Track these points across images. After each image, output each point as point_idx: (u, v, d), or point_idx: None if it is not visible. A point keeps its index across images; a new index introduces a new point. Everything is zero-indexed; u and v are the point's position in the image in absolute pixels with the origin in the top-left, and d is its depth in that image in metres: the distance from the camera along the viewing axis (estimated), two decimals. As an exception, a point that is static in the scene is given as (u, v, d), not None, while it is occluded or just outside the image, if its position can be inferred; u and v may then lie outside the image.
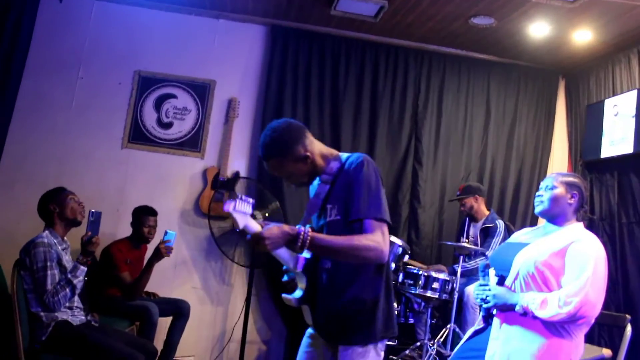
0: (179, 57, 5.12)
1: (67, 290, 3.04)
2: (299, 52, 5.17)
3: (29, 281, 3.04)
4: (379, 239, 1.98)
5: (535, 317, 2.45)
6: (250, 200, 2.01)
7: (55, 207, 3.23)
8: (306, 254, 2.11)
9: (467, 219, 4.84)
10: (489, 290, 2.61)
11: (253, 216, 2.03)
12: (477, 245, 4.58)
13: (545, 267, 2.49)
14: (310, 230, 1.98)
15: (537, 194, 2.75)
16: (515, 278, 2.56)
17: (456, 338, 4.09)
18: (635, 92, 4.63)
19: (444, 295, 4.12)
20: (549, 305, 2.39)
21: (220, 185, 4.96)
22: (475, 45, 5.28)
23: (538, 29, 4.64)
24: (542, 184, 2.78)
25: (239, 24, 5.21)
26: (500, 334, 2.56)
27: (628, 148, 4.62)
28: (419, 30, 5.00)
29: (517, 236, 2.88)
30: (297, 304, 2.20)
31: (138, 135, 5.03)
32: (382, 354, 2.14)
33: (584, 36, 4.68)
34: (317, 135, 5.04)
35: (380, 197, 2.05)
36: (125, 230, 4.53)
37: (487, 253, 4.43)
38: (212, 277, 5.07)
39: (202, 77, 5.14)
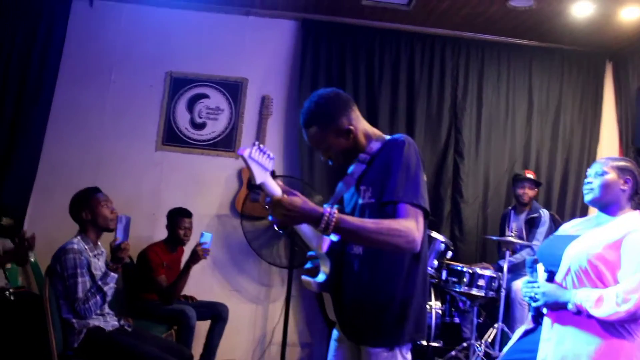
0: (209, 56, 5.06)
1: (98, 297, 2.98)
2: (331, 46, 5.04)
3: (60, 288, 2.99)
4: (412, 225, 1.80)
5: (590, 316, 2.25)
6: (271, 154, 1.82)
7: (88, 214, 3.17)
8: (333, 236, 1.94)
9: (512, 210, 4.61)
10: (538, 287, 2.42)
11: (274, 175, 1.84)
12: (522, 237, 4.36)
13: (599, 260, 2.29)
14: (336, 211, 1.77)
15: (586, 181, 2.55)
16: (567, 274, 2.37)
17: (505, 338, 3.90)
18: (691, 71, 4.34)
19: (491, 292, 3.93)
20: (605, 303, 2.19)
21: (256, 185, 4.85)
22: (514, 31, 5.04)
23: (581, 9, 4.39)
24: (591, 170, 2.58)
25: (269, 20, 5.12)
26: (552, 334, 2.37)
27: (685, 132, 4.34)
28: (454, 17, 4.80)
29: (566, 228, 2.67)
30: (317, 289, 2.02)
31: (171, 137, 4.99)
32: (409, 358, 1.96)
33: (632, 13, 4.40)
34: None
35: (418, 181, 1.87)
36: (161, 233, 4.48)
37: (533, 244, 4.21)
38: (250, 278, 4.98)
39: (233, 76, 5.06)
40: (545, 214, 4.38)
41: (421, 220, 1.84)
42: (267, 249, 4.76)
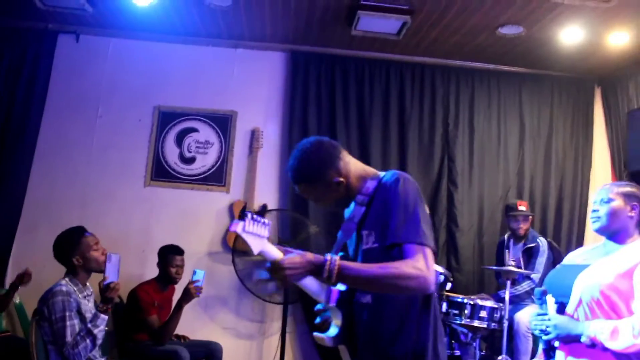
0: (198, 89, 5.01)
1: (88, 341, 2.84)
2: (321, 77, 5.01)
3: (48, 332, 2.85)
4: (421, 265, 1.71)
5: (605, 349, 2.17)
6: (266, 221, 1.75)
7: (79, 259, 3.04)
8: (340, 286, 1.88)
9: (510, 239, 4.54)
10: (549, 319, 2.34)
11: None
12: (520, 266, 4.29)
13: (611, 291, 2.21)
14: (337, 258, 1.70)
15: (593, 209, 2.49)
16: (578, 305, 2.29)
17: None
18: (682, 94, 4.35)
19: (493, 324, 3.83)
20: (621, 335, 2.11)
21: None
22: (504, 58, 5.05)
23: (570, 35, 4.39)
24: (597, 197, 2.51)
25: (258, 52, 5.09)
26: (566, 369, 2.28)
27: (679, 155, 4.32)
28: (444, 45, 4.80)
29: (572, 257, 2.59)
30: (332, 344, 1.94)
31: (160, 172, 4.89)
32: None
33: (620, 39, 4.41)
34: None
35: (418, 217, 1.79)
36: (152, 270, 4.35)
37: (532, 276, 4.14)
38: (244, 315, 4.85)
39: (223, 109, 5.00)
40: (543, 243, 4.31)
41: (430, 257, 1.75)
42: (260, 285, 4.64)
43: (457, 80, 5.16)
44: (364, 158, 4.93)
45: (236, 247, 4.60)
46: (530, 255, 4.29)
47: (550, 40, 4.56)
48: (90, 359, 2.92)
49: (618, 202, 2.43)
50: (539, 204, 5.09)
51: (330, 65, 5.03)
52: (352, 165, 1.98)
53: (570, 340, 2.27)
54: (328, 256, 1.70)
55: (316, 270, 1.70)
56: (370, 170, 2.01)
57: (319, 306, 2.03)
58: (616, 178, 5.21)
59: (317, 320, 2.02)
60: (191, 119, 4.96)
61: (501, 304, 3.88)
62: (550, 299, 2.40)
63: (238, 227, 1.68)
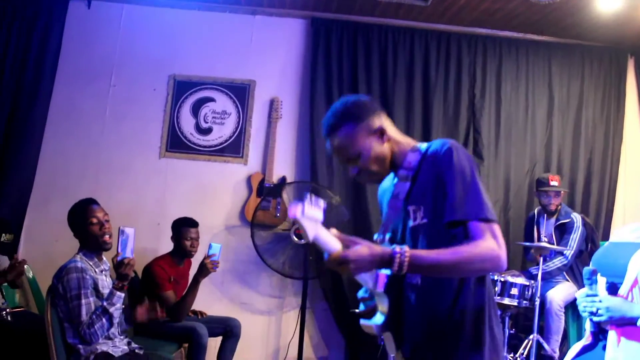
0: (214, 58, 4.82)
1: (104, 320, 2.70)
2: (343, 45, 4.80)
3: (64, 310, 2.71)
4: (493, 244, 1.56)
5: (662, 332, 2.01)
6: (322, 203, 1.58)
7: (78, 234, 2.90)
8: (386, 270, 1.73)
9: (541, 215, 4.36)
10: (600, 301, 2.17)
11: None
12: (552, 243, 4.11)
13: (670, 270, 2.05)
14: (408, 249, 1.55)
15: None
16: (633, 285, 2.12)
17: (539, 350, 3.64)
18: None
19: (524, 302, 3.68)
20: (683, 318, 1.95)
21: (267, 192, 4.62)
22: (533, 26, 4.82)
23: (607, 2, 4.15)
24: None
25: (277, 19, 4.88)
26: (619, 353, 2.12)
27: None
28: (472, 12, 4.57)
29: (624, 234, 2.41)
30: (378, 332, 1.79)
31: (176, 143, 4.73)
32: None
33: (660, 5, 4.18)
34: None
35: (479, 190, 1.62)
36: (167, 244, 4.20)
37: (565, 252, 3.96)
38: (262, 291, 4.73)
39: (240, 78, 4.81)
40: (577, 218, 4.13)
41: (499, 233, 1.59)
42: (279, 260, 4.51)
43: (484, 49, 4.93)
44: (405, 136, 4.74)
45: (255, 221, 4.46)
46: (563, 231, 4.12)
47: (585, 7, 4.33)
48: (110, 337, 2.79)
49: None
50: (566, 178, 4.89)
51: (353, 33, 4.82)
52: (394, 129, 1.82)
53: (625, 323, 2.10)
54: (397, 248, 1.55)
55: (384, 263, 1.55)
56: (410, 140, 1.83)
57: (361, 293, 1.89)
58: (648, 153, 5.01)
59: (361, 308, 1.87)
60: (207, 89, 4.78)
61: (533, 281, 3.72)
62: (601, 279, 2.23)
63: (298, 211, 1.50)
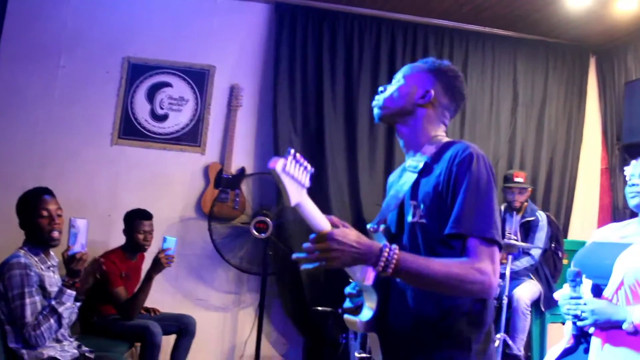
0: (173, 40, 4.56)
1: (52, 320, 2.46)
2: (307, 33, 4.62)
3: (5, 311, 2.46)
4: (488, 269, 1.43)
5: (648, 337, 1.95)
6: (309, 166, 1.40)
7: (24, 225, 2.65)
8: None
9: (506, 212, 4.31)
10: (585, 304, 2.09)
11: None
12: (518, 241, 4.06)
13: (658, 273, 1.98)
14: (397, 249, 1.41)
15: (631, 182, 2.24)
16: (619, 288, 2.05)
17: (505, 349, 3.59)
18: (686, 65, 4.16)
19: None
20: (671, 323, 1.89)
21: (225, 183, 4.42)
22: (500, 21, 4.77)
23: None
24: (634, 170, 2.28)
25: (240, 3, 4.65)
26: (603, 357, 2.05)
27: (679, 128, 4.15)
28: (441, 3, 4.47)
29: (605, 235, 2.35)
30: (363, 330, 1.64)
31: (130, 130, 4.47)
32: None
33: (628, 4, 4.17)
34: (331, 124, 4.58)
35: (492, 208, 1.49)
36: (119, 238, 3.95)
37: (532, 252, 3.92)
38: (218, 286, 4.53)
39: (199, 63, 4.57)
40: (542, 217, 4.10)
41: (497, 258, 1.47)
42: (237, 255, 4.33)
43: (450, 42, 4.85)
44: (351, 122, 4.64)
45: (213, 214, 4.26)
46: (528, 228, 4.08)
47: (552, 4, 4.29)
48: (59, 339, 2.55)
49: (659, 177, 2.19)
50: (529, 174, 4.84)
51: (318, 21, 4.65)
52: (438, 120, 1.70)
53: (610, 326, 2.03)
54: (387, 245, 1.41)
55: (370, 258, 1.40)
56: (438, 132, 1.69)
57: (349, 289, 1.74)
58: (607, 151, 5.06)
59: (347, 304, 1.72)
60: (164, 73, 4.53)
61: (500, 280, 3.65)
62: (586, 281, 2.16)
63: (278, 164, 1.32)
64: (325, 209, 4.56)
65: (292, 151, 1.35)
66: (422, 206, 1.56)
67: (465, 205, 1.46)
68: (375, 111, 1.71)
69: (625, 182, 4.68)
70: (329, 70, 4.62)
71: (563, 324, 4.20)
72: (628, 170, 2.33)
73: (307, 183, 1.38)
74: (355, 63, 4.67)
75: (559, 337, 4.28)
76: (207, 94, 4.57)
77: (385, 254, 1.39)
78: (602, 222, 5.05)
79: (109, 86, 4.46)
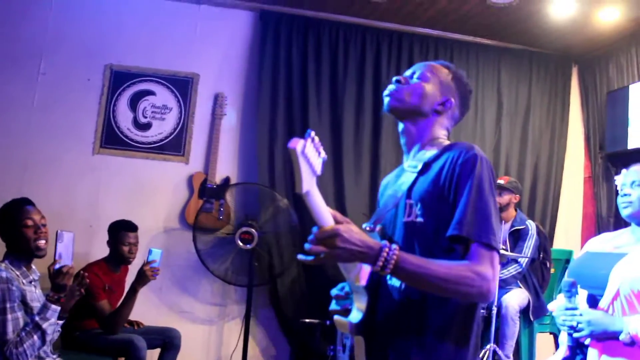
0: (156, 48, 4.49)
1: (35, 337, 2.36)
2: (292, 41, 4.59)
3: (-15, 328, 2.37)
4: (488, 273, 1.40)
5: (646, 348, 1.93)
6: (323, 153, 1.33)
7: (7, 238, 2.56)
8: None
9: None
10: (581, 315, 2.08)
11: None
12: (506, 249, 4.05)
13: (654, 283, 1.97)
14: (397, 248, 1.38)
15: (623, 192, 2.24)
16: (614, 298, 2.03)
17: (494, 356, 3.57)
18: (668, 75, 4.21)
19: (481, 310, 3.58)
20: (669, 333, 1.88)
21: (209, 193, 4.36)
22: (485, 30, 4.79)
23: (561, 8, 4.15)
24: (625, 179, 2.27)
25: (224, 10, 4.61)
26: (600, 369, 2.03)
27: (662, 137, 4.19)
28: (427, 12, 4.47)
29: (598, 245, 2.34)
30: (352, 331, 1.60)
31: (112, 139, 4.38)
32: None
33: (610, 14, 4.21)
34: (316, 130, 4.54)
35: (492, 214, 1.46)
36: (101, 249, 3.85)
37: (520, 260, 3.91)
38: (203, 298, 4.45)
39: (183, 71, 4.52)
40: (532, 226, 4.09)
41: (496, 263, 1.45)
42: (222, 266, 4.26)
43: (435, 51, 4.85)
44: (337, 129, 4.61)
45: (197, 224, 4.19)
46: (517, 237, 4.06)
47: (537, 13, 4.32)
48: (41, 357, 2.46)
49: (652, 186, 2.19)
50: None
51: (303, 28, 4.62)
52: (445, 125, 1.68)
53: (606, 337, 2.02)
54: (386, 243, 1.37)
55: (369, 256, 1.37)
56: (441, 135, 1.66)
57: (335, 291, 1.69)
58: (590, 160, 5.10)
59: (334, 306, 1.68)
60: (147, 81, 4.46)
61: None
62: (581, 292, 2.14)
63: (298, 145, 1.24)
64: (309, 217, 4.55)
65: (313, 133, 1.29)
66: (418, 205, 1.52)
67: (467, 208, 1.44)
68: (387, 100, 1.65)
69: (610, 191, 4.78)
70: (314, 79, 4.60)
71: (551, 334, 4.24)
72: (619, 180, 2.33)
73: (319, 171, 1.31)
74: (340, 71, 4.65)
75: (547, 347, 4.31)
76: (191, 103, 4.50)
77: (385, 253, 1.36)
78: (585, 231, 5.08)
79: (91, 94, 4.37)
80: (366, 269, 1.52)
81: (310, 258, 1.35)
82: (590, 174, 5.06)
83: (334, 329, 4.01)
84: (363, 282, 1.52)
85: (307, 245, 1.33)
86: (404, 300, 1.53)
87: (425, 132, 1.64)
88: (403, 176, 1.63)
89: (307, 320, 4.02)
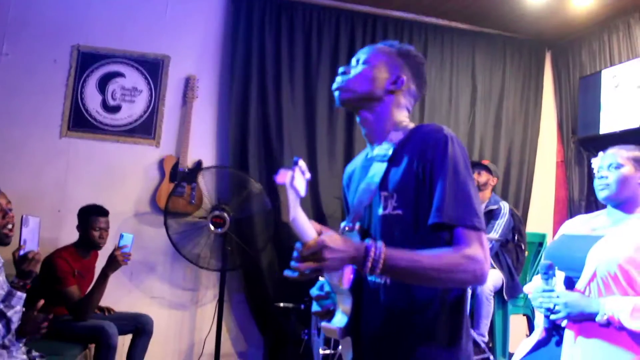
0: (125, 28, 4.37)
1: (0, 325, 2.29)
2: (265, 23, 4.51)
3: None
4: (479, 255, 1.35)
5: (622, 328, 1.94)
6: (308, 174, 1.29)
7: None
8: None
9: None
10: (558, 297, 2.08)
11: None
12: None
13: (630, 264, 1.98)
14: (383, 246, 1.32)
15: (599, 175, 2.23)
16: (591, 280, 2.04)
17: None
18: (639, 60, 4.25)
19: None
20: (644, 314, 1.89)
21: (181, 177, 4.27)
22: (459, 14, 4.78)
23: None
24: (603, 162, 2.26)
25: (195, -10, 4.50)
26: (576, 350, 2.04)
27: (634, 122, 4.24)
28: (402, -5, 4.44)
29: (574, 227, 2.34)
30: (341, 336, 1.57)
31: (80, 122, 4.26)
32: None
33: (583, 0, 4.22)
34: (289, 116, 4.48)
35: (471, 194, 1.41)
36: (69, 235, 3.77)
37: (490, 236, 3.92)
38: (175, 283, 4.38)
39: (153, 52, 4.40)
40: (505, 206, 4.11)
41: (486, 244, 1.40)
42: (195, 251, 4.20)
43: (410, 35, 4.82)
44: (309, 113, 4.56)
45: (169, 209, 4.11)
46: (490, 217, 4.07)
47: (514, -2, 4.32)
48: (5, 345, 2.37)
49: (628, 168, 2.19)
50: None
51: (276, 10, 4.54)
52: (405, 104, 1.60)
53: (583, 319, 2.02)
54: (372, 243, 1.32)
55: (356, 260, 1.31)
56: (403, 118, 1.60)
57: (315, 291, 1.65)
58: (562, 145, 5.14)
59: (315, 307, 1.64)
60: (116, 62, 4.34)
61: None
62: (559, 274, 2.14)
63: (287, 178, 1.21)
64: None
65: (300, 162, 1.25)
66: (394, 196, 1.47)
67: (445, 193, 1.38)
68: (337, 94, 1.58)
69: (582, 176, 4.82)
70: (287, 63, 4.53)
71: (525, 315, 4.28)
72: (595, 163, 2.32)
73: (302, 193, 1.26)
74: (314, 54, 4.59)
75: (520, 329, 4.36)
76: (162, 85, 4.40)
77: (372, 254, 1.30)
78: (557, 215, 5.14)
79: (57, 76, 4.24)
80: (348, 270, 1.48)
81: (296, 274, 1.30)
82: (563, 159, 5.11)
83: (308, 312, 3.99)
84: (347, 284, 1.48)
85: (293, 264, 1.28)
86: (389, 300, 1.48)
87: (384, 116, 1.56)
88: (373, 167, 1.55)
89: (281, 304, 3.98)
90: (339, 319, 1.54)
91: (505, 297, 3.92)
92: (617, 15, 4.49)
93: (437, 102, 4.87)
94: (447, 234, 1.39)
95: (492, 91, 5.03)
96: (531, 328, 4.27)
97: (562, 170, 5.13)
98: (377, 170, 1.52)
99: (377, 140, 1.57)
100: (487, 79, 5.02)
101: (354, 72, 1.58)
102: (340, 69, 1.61)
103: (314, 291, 1.64)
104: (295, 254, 1.29)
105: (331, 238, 1.29)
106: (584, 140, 4.82)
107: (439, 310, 1.45)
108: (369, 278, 1.53)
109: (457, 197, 1.38)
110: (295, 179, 1.22)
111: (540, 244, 4.27)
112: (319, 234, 1.30)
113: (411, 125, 1.56)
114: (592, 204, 4.66)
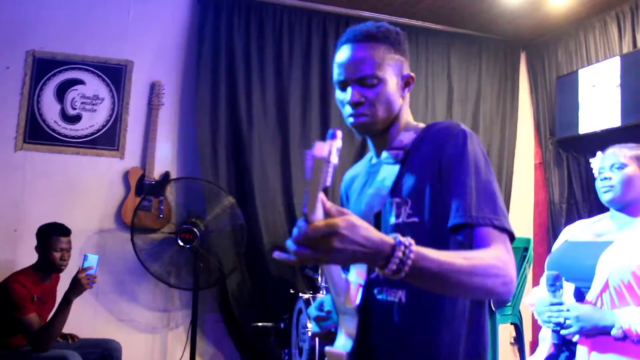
0: (84, 33, 4.09)
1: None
2: (233, 25, 4.28)
3: None
4: (506, 258, 1.16)
5: (639, 342, 1.79)
6: (336, 158, 0.98)
7: None
8: (356, 278, 1.31)
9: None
10: (568, 310, 1.91)
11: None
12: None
13: (644, 272, 1.83)
14: (414, 243, 1.05)
15: (602, 176, 2.08)
16: (603, 290, 1.89)
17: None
18: (617, 59, 4.18)
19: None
20: (665, 326, 1.74)
21: (147, 190, 4.02)
22: (434, 15, 4.65)
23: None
24: (605, 162, 2.11)
25: (158, -8, 4.26)
26: (591, 367, 1.87)
27: (613, 121, 4.16)
28: (375, -5, 4.28)
29: (576, 233, 2.19)
30: None
31: (37, 133, 3.97)
32: None
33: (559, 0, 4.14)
34: (260, 121, 4.28)
35: (495, 191, 1.24)
36: (27, 256, 3.47)
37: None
38: (144, 304, 4.11)
39: (115, 58, 4.14)
40: None
41: (511, 248, 1.20)
42: (164, 268, 3.94)
43: (384, 36, 4.66)
44: (283, 118, 4.36)
45: (135, 224, 3.85)
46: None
47: (488, -3, 4.21)
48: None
49: (633, 168, 2.05)
50: (466, 172, 4.78)
51: (245, 12, 4.32)
52: (407, 94, 1.42)
53: (596, 333, 1.86)
54: (399, 236, 1.04)
55: (380, 256, 1.02)
56: (409, 116, 1.43)
57: (313, 311, 1.45)
58: (540, 146, 5.05)
59: (315, 328, 1.44)
60: (76, 69, 4.06)
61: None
62: (567, 285, 1.98)
63: (324, 149, 0.93)
64: (253, 215, 4.29)
65: (338, 132, 0.97)
66: (409, 202, 1.29)
67: (467, 192, 1.21)
68: (362, 127, 1.35)
69: (562, 177, 4.71)
70: (257, 66, 4.32)
71: (512, 324, 4.15)
72: (595, 163, 2.18)
73: (329, 181, 0.97)
74: (285, 57, 4.39)
75: (508, 337, 4.23)
76: (125, 92, 4.14)
77: (400, 254, 1.02)
78: (537, 218, 5.04)
79: (11, 84, 3.94)
80: (355, 285, 1.27)
81: (292, 258, 1.00)
82: (542, 160, 5.01)
83: (288, 332, 3.77)
84: (356, 302, 1.28)
85: (290, 245, 0.98)
86: (406, 322, 1.29)
87: (398, 121, 1.39)
88: (382, 170, 1.38)
89: (259, 324, 3.76)
90: (343, 343, 1.34)
91: (493, 308, 3.77)
92: (593, 14, 4.43)
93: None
94: (468, 238, 1.20)
95: (469, 93, 4.91)
96: (519, 336, 4.14)
97: (541, 172, 5.03)
98: (389, 173, 1.35)
99: (387, 144, 1.40)
100: (463, 80, 4.90)
101: (373, 95, 1.33)
102: (349, 101, 1.34)
103: (313, 311, 1.46)
104: (295, 231, 0.98)
105: (351, 225, 0.98)
106: (562, 141, 4.73)
107: (464, 331, 1.28)
108: (378, 296, 1.33)
109: (481, 196, 1.21)
110: (332, 154, 0.97)
111: (526, 249, 4.14)
112: (329, 214, 0.99)
113: (422, 125, 1.40)
114: (572, 207, 4.57)
